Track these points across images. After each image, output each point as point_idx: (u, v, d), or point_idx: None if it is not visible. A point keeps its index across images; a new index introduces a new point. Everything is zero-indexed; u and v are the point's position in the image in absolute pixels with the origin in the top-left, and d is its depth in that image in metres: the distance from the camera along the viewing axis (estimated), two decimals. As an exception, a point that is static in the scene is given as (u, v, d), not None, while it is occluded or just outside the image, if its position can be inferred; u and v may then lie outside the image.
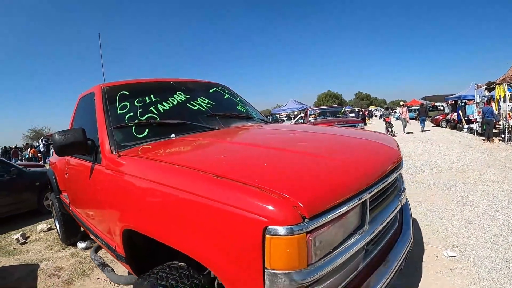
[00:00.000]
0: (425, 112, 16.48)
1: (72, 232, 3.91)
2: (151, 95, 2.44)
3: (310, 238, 0.97)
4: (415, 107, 27.56)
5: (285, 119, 24.82)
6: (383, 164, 1.49)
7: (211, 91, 2.95)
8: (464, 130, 14.06)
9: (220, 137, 2.06)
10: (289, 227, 0.94)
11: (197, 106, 2.53)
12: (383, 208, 1.49)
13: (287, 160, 1.40)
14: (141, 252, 1.73)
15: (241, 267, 1.05)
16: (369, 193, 1.25)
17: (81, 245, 3.88)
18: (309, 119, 11.93)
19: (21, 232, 4.58)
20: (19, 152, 22.02)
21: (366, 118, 31.94)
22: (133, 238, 1.65)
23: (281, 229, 0.94)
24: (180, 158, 1.64)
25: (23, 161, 19.67)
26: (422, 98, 26.02)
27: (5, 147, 25.29)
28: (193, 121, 2.34)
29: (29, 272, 3.37)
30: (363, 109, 37.99)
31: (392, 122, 15.27)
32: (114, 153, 1.85)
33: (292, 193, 1.01)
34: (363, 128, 10.15)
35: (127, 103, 2.32)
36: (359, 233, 1.22)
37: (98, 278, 3.03)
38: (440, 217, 3.59)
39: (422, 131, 15.23)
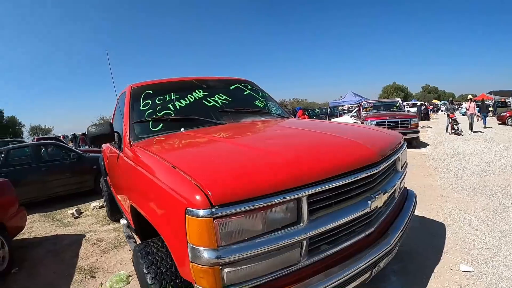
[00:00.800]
0: (486, 108, 15.07)
1: (116, 210, 4.34)
2: (172, 93, 2.72)
3: (216, 223, 1.11)
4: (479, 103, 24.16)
5: (346, 111, 23.84)
6: (334, 164, 1.41)
7: (232, 87, 3.09)
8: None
9: (212, 132, 2.19)
10: (198, 210, 1.10)
11: (213, 102, 2.70)
12: (340, 209, 1.43)
13: (234, 155, 1.51)
14: (146, 225, 1.98)
15: (177, 238, 1.26)
16: (305, 192, 1.25)
17: (123, 221, 4.42)
18: (363, 112, 11.43)
19: (76, 208, 5.39)
20: (85, 138, 25.11)
21: (430, 113, 28.79)
22: (137, 213, 1.91)
23: (194, 211, 1.12)
24: (164, 149, 1.92)
25: (90, 146, 22.59)
26: (490, 93, 22.53)
27: (74, 134, 27.29)
28: (205, 116, 2.51)
29: (76, 240, 3.99)
30: (426, 103, 34.17)
31: (457, 119, 13.63)
32: (130, 144, 2.19)
33: (207, 183, 1.16)
34: (416, 123, 9.33)
35: (149, 101, 2.63)
36: (293, 229, 1.23)
37: (130, 250, 3.42)
38: (472, 226, 3.19)
39: (485, 127, 13.64)
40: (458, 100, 58.77)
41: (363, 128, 2.31)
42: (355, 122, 10.60)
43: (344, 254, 1.49)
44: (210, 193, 1.12)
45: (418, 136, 9.46)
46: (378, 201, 1.58)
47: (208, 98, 2.74)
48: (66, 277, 3.01)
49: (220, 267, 1.15)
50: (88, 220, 4.94)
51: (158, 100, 2.64)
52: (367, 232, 1.60)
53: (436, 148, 9.09)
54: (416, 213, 3.69)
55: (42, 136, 24.22)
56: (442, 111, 36.20)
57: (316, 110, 26.56)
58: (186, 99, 2.68)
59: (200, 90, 2.81)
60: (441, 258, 2.63)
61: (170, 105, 2.59)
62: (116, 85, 2.85)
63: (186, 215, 1.14)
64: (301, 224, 1.25)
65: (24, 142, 11.44)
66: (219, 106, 2.69)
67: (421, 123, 19.41)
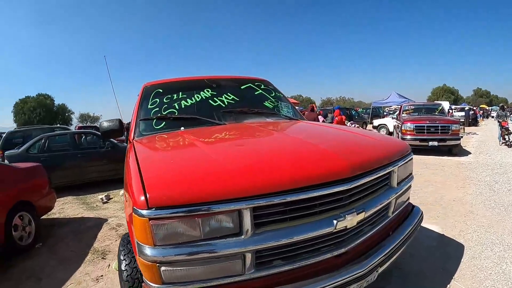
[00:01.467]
0: None
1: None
2: (180, 93, 2.80)
3: (152, 223, 1.14)
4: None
5: (392, 112, 22.69)
6: (290, 176, 1.32)
7: (243, 87, 3.08)
8: None
9: (202, 133, 2.23)
10: (139, 210, 1.18)
11: (218, 102, 2.74)
12: (296, 225, 1.34)
13: (195, 159, 1.55)
14: None
15: (131, 232, 1.39)
16: (249, 204, 1.21)
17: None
18: (402, 115, 10.75)
19: (106, 194, 5.85)
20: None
21: (480, 118, 25.85)
22: None
23: (137, 211, 1.19)
24: (148, 147, 2.06)
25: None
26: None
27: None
28: (208, 116, 2.54)
29: (98, 224, 4.34)
30: (475, 108, 30.64)
31: (510, 128, 11.95)
32: (132, 139, 2.35)
33: (149, 186, 1.22)
34: (458, 130, 8.48)
35: (158, 100, 2.75)
36: (233, 240, 1.21)
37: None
38: (495, 252, 2.81)
39: None
40: (510, 106, 52.05)
41: (359, 136, 2.13)
42: (396, 125, 9.93)
43: (305, 273, 1.41)
44: (148, 195, 1.17)
45: (459, 144, 8.55)
46: (349, 221, 1.41)
47: (214, 98, 2.77)
48: (80, 255, 3.30)
49: (157, 264, 1.20)
50: (114, 206, 5.33)
51: (165, 99, 2.74)
52: (336, 253, 1.47)
53: (478, 157, 8.15)
54: (436, 229, 3.40)
55: (83, 125, 26.61)
56: (492, 117, 32.30)
57: (360, 110, 25.78)
58: (193, 98, 2.75)
59: (209, 90, 2.85)
60: (449, 285, 2.38)
61: (175, 104, 2.68)
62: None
63: (133, 213, 1.21)
64: (242, 236, 1.22)
65: (69, 129, 12.65)
66: (224, 106, 2.71)
67: (468, 129, 17.58)
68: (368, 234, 1.64)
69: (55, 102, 51.37)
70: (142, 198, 1.17)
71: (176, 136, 2.20)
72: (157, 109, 2.65)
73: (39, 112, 40.41)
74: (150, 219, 1.15)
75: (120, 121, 2.60)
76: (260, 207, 1.25)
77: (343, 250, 1.48)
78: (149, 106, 2.71)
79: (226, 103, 2.74)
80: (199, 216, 1.18)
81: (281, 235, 1.29)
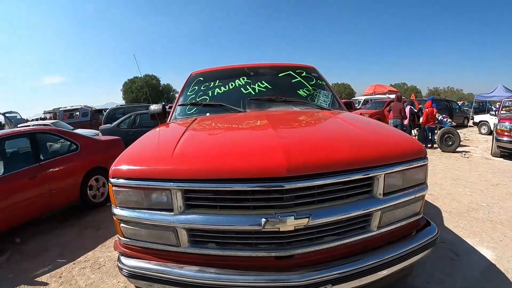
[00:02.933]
0: None
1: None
2: (217, 81, 3.02)
3: (113, 189, 1.55)
4: None
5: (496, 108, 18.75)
6: (223, 166, 1.42)
7: (281, 74, 3.10)
8: None
9: (214, 120, 2.47)
10: (110, 178, 1.56)
11: (249, 90, 2.89)
12: (226, 214, 1.42)
13: (170, 142, 1.75)
14: None
15: None
16: (179, 185, 1.41)
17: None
18: (501, 111, 8.94)
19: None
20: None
21: None
22: None
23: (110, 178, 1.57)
24: (162, 129, 2.42)
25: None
26: None
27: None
28: (234, 103, 2.69)
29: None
30: None
31: None
32: (169, 120, 2.81)
33: (119, 160, 1.62)
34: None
35: (196, 87, 3.05)
36: (166, 214, 1.46)
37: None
38: None
39: None
40: None
41: (350, 131, 1.87)
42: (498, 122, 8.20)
43: (239, 263, 1.46)
44: (113, 168, 1.56)
45: None
46: (282, 225, 1.34)
47: (247, 86, 2.91)
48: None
49: (119, 221, 1.59)
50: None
51: (203, 87, 3.00)
52: (274, 254, 1.43)
53: None
54: (488, 256, 2.74)
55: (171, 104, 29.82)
56: None
57: (466, 103, 22.40)
58: (227, 86, 2.94)
59: (244, 77, 2.99)
60: None
61: (209, 92, 2.91)
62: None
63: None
64: (173, 213, 1.44)
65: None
66: (253, 94, 2.82)
67: None
68: (329, 245, 1.48)
69: (161, 82, 54.52)
70: (113, 168, 1.57)
71: (190, 121, 2.39)
72: (194, 95, 2.94)
73: (145, 91, 41.87)
74: (112, 185, 1.54)
75: (163, 105, 3.04)
76: (191, 191, 1.43)
77: (283, 253, 1.42)
78: (188, 93, 3.01)
79: (257, 91, 2.84)
80: (141, 189, 1.49)
81: (209, 220, 1.41)
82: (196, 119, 2.50)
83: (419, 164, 1.62)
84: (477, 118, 14.37)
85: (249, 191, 1.37)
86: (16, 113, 18.08)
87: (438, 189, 4.89)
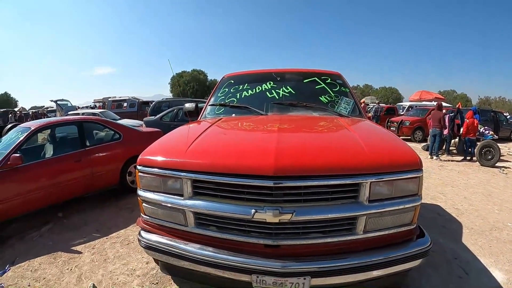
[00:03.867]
0: None
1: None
2: (246, 84, 3.22)
3: (139, 174, 1.90)
4: None
5: None
6: (225, 162, 1.67)
7: (306, 80, 3.25)
8: None
9: (238, 120, 2.70)
10: (137, 166, 1.92)
11: (274, 94, 3.05)
12: (225, 203, 1.66)
13: (191, 139, 2.02)
14: None
15: None
16: (189, 176, 1.70)
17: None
18: None
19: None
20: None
21: None
22: None
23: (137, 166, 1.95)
24: (193, 125, 2.66)
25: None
26: None
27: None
28: (258, 106, 2.88)
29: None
30: None
31: None
32: (199, 118, 3.11)
33: (145, 152, 1.96)
34: None
35: (226, 89, 3.28)
36: (177, 198, 1.76)
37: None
38: None
39: None
40: None
41: (349, 139, 2.00)
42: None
43: (234, 246, 1.69)
44: (140, 157, 1.90)
45: None
46: (268, 216, 1.55)
47: (272, 90, 3.09)
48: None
49: (142, 201, 1.92)
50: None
51: (232, 89, 3.22)
52: (262, 242, 1.64)
53: None
54: (499, 277, 2.64)
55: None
56: None
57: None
58: (254, 89, 3.14)
59: (271, 82, 3.17)
60: None
61: (238, 94, 3.12)
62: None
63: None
64: (182, 197, 1.73)
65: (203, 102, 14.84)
66: (277, 98, 3.00)
67: None
68: (314, 241, 1.64)
69: (208, 77, 55.74)
70: (140, 157, 1.91)
71: (215, 121, 2.63)
72: (223, 97, 3.17)
73: (192, 85, 43.92)
74: (138, 171, 1.88)
75: (196, 104, 3.35)
76: (198, 181, 1.70)
77: (270, 242, 1.62)
78: (218, 94, 3.25)
79: (281, 95, 3.01)
80: (160, 176, 1.80)
81: (211, 206, 1.68)
82: (221, 118, 2.75)
83: (409, 176, 1.68)
84: None
85: (244, 185, 1.61)
86: (67, 101, 19.34)
87: (465, 204, 4.70)
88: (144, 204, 1.91)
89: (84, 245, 3.31)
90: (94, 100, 32.50)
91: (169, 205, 1.77)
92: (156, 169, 1.79)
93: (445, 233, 3.54)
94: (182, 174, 1.69)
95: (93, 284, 2.50)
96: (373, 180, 1.61)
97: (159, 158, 1.84)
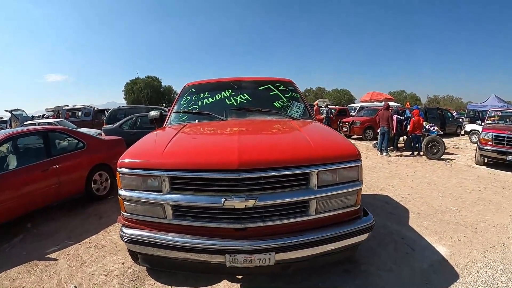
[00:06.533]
0: None
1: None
2: (206, 92, 3.47)
3: (120, 176, 2.07)
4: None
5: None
6: (196, 161, 1.96)
7: (261, 88, 3.57)
8: None
9: (200, 126, 2.97)
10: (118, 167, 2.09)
11: (232, 101, 3.37)
12: (199, 195, 1.94)
13: (164, 142, 2.26)
14: None
15: None
16: (166, 173, 1.94)
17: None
18: (487, 121, 9.48)
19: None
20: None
21: None
22: None
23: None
24: (161, 131, 2.91)
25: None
26: None
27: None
28: (218, 112, 3.15)
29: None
30: None
31: None
32: (164, 125, 3.29)
33: (125, 154, 2.15)
34: None
35: (188, 97, 3.52)
36: (156, 194, 1.99)
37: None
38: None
39: None
40: None
41: (297, 137, 2.37)
42: (482, 131, 8.64)
43: (209, 232, 1.97)
44: (120, 160, 2.10)
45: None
46: (236, 203, 1.84)
47: (231, 97, 3.38)
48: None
49: (123, 200, 2.10)
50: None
51: (194, 97, 3.47)
52: (232, 226, 1.94)
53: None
54: (442, 252, 3.04)
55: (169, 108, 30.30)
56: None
57: (461, 112, 22.52)
58: (214, 97, 3.42)
59: (229, 90, 3.47)
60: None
61: (199, 102, 3.38)
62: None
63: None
64: (162, 193, 1.97)
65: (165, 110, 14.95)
66: (235, 104, 3.30)
67: None
68: (275, 223, 1.97)
69: (162, 84, 55.92)
70: (120, 160, 2.10)
71: (181, 127, 2.86)
72: (186, 104, 3.42)
73: (147, 92, 42.66)
74: (120, 173, 2.08)
75: (161, 112, 3.53)
76: (174, 177, 1.96)
77: (238, 225, 1.93)
78: (181, 102, 3.49)
79: (239, 102, 3.32)
80: (140, 176, 2.03)
81: (187, 199, 1.95)
82: (186, 124, 3.01)
83: (350, 165, 2.08)
84: (468, 127, 14.76)
85: (214, 178, 1.90)
86: (22, 111, 18.54)
87: (412, 193, 5.20)
88: (125, 202, 2.10)
89: (59, 252, 3.34)
90: (46, 109, 30.48)
91: (149, 200, 1.99)
92: (135, 170, 2.01)
93: (392, 218, 3.98)
94: (161, 172, 1.94)
95: (75, 286, 2.60)
96: (320, 169, 1.98)
97: (138, 160, 2.08)
